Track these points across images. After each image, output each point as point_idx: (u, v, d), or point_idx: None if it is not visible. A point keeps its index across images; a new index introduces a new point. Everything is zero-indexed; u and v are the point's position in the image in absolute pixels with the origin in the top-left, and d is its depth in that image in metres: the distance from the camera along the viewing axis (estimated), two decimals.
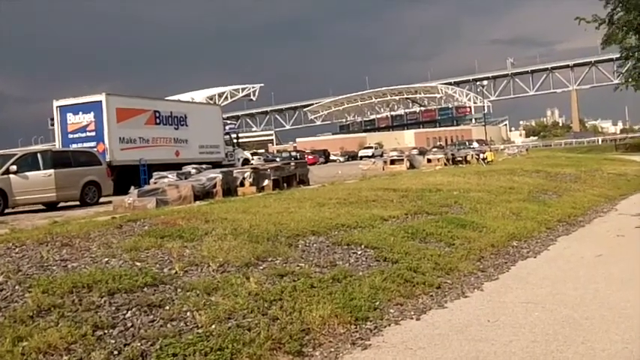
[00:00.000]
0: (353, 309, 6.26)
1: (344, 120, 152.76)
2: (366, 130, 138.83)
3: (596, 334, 5.78)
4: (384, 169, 32.85)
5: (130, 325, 5.48)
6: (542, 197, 17.08)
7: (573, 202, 16.65)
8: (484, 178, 20.54)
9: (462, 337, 5.79)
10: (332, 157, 76.43)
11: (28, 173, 18.04)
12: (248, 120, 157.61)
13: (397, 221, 11.29)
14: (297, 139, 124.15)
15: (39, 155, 19.16)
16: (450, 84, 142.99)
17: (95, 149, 23.40)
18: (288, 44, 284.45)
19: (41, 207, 18.66)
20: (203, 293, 6.27)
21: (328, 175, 28.74)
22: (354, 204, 12.92)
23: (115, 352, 4.99)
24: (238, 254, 7.60)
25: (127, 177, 22.84)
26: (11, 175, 17.59)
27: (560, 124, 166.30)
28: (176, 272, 6.88)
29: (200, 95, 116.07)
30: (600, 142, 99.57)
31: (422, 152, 41.98)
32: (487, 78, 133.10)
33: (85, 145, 24.30)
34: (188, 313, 5.78)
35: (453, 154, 39.27)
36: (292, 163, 24.86)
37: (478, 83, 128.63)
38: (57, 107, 26.09)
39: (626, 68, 12.35)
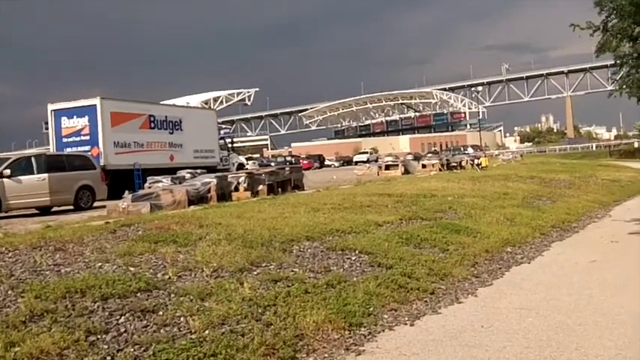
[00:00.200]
0: (347, 314, 6.25)
1: (339, 125, 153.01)
2: (361, 136, 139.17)
3: (590, 340, 5.78)
4: (378, 175, 32.82)
5: (123, 330, 5.46)
6: (537, 203, 17.10)
7: (567, 207, 16.68)
8: (478, 183, 20.57)
9: (455, 343, 5.78)
10: (327, 162, 76.57)
11: (21, 177, 18.00)
12: (243, 124, 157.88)
13: (392, 227, 11.29)
14: (292, 144, 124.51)
15: (33, 159, 19.15)
16: (445, 89, 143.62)
17: (89, 153, 23.36)
18: (282, 49, 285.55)
19: (35, 211, 18.61)
20: (197, 298, 6.25)
21: (323, 180, 28.76)
22: (348, 209, 12.92)
23: (108, 358, 4.97)
24: (232, 259, 7.59)
25: (122, 181, 22.85)
26: (5, 179, 17.56)
27: (555, 130, 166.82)
28: (170, 277, 6.86)
29: (195, 99, 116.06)
30: (594, 148, 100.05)
31: (417, 158, 41.89)
32: (482, 84, 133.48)
33: (80, 149, 24.24)
34: (182, 319, 5.76)
35: (447, 160, 39.30)
36: (287, 168, 24.84)
37: (473, 89, 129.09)
38: (51, 111, 26.03)
39: (620, 75, 12.41)
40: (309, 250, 8.80)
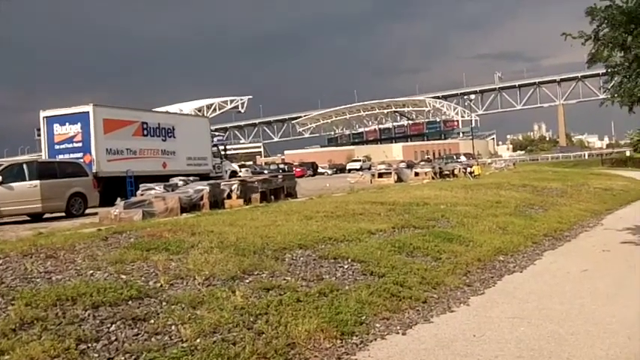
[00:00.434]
0: (339, 323, 6.24)
1: (332, 133, 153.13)
2: (354, 143, 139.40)
3: (582, 349, 5.79)
4: (371, 182, 32.89)
5: (114, 338, 5.43)
6: (529, 211, 17.14)
7: (559, 216, 16.72)
8: (471, 192, 20.60)
9: (447, 352, 5.78)
10: (320, 170, 76.54)
11: (13, 184, 17.93)
12: (236, 132, 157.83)
13: (384, 235, 11.29)
14: (286, 152, 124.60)
15: (24, 166, 19.06)
16: (437, 98, 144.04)
17: (82, 160, 23.30)
18: (276, 57, 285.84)
19: (26, 218, 18.52)
20: (188, 307, 6.23)
21: (316, 187, 28.75)
22: (341, 217, 12.92)
23: None
24: (224, 267, 7.57)
25: (114, 188, 22.79)
26: None
27: (547, 139, 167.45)
28: (161, 285, 6.84)
29: (188, 107, 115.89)
30: (587, 157, 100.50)
31: (410, 165, 41.94)
32: (475, 92, 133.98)
33: (72, 156, 24.17)
34: (173, 327, 5.74)
35: (440, 168, 39.41)
36: (280, 176, 24.84)
37: (466, 97, 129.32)
38: (44, 118, 25.95)
39: (611, 84, 12.43)
40: (301, 259, 8.79)
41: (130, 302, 6.20)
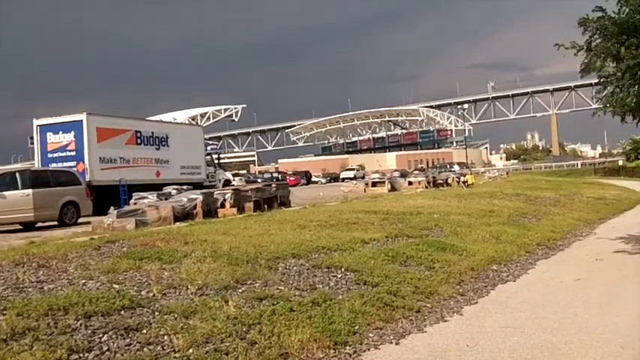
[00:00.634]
0: (332, 333, 6.22)
1: (326, 142, 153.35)
2: (348, 152, 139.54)
3: (575, 358, 5.80)
4: (365, 191, 32.87)
5: (106, 349, 5.40)
6: (522, 221, 17.18)
7: (553, 225, 16.76)
8: (464, 201, 20.64)
9: None
10: (314, 179, 76.48)
11: (5, 193, 17.89)
12: (230, 141, 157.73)
13: (378, 244, 11.29)
14: (279, 160, 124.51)
15: (17, 175, 19.01)
16: (431, 107, 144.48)
17: (75, 169, 23.22)
18: (270, 66, 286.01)
19: (19, 227, 18.44)
20: (181, 316, 6.21)
21: (310, 196, 28.74)
22: (334, 226, 12.91)
23: None
24: (217, 277, 7.54)
25: (107, 197, 22.68)
26: None
27: (541, 148, 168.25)
28: (154, 295, 6.81)
29: (182, 115, 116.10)
30: (580, 166, 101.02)
31: (403, 175, 41.93)
32: (468, 101, 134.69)
33: (65, 164, 24.06)
34: (165, 337, 5.71)
35: (434, 177, 39.46)
36: (274, 185, 24.82)
37: (459, 107, 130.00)
38: (37, 126, 25.87)
39: (604, 94, 12.47)
40: (294, 268, 8.77)
41: (122, 312, 6.17)
